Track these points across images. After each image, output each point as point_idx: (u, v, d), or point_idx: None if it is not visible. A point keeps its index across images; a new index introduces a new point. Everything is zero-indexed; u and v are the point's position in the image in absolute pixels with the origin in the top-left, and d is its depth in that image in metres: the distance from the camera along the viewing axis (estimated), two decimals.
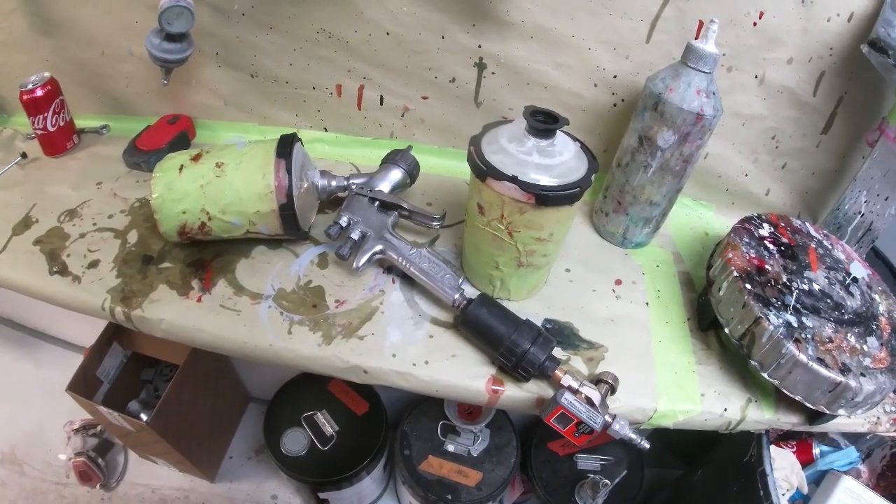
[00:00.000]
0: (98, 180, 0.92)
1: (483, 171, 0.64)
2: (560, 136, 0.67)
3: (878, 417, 0.74)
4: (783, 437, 0.92)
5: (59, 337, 1.55)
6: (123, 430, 1.13)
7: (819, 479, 0.86)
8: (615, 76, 0.87)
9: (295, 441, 1.10)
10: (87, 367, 1.15)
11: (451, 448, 1.08)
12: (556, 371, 0.65)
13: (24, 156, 0.96)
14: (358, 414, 1.16)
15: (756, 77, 0.84)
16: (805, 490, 0.85)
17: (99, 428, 1.34)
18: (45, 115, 0.92)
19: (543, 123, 0.64)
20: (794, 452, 0.88)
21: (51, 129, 0.94)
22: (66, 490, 1.30)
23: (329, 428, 1.13)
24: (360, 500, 1.23)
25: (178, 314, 0.72)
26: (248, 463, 1.36)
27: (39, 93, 0.90)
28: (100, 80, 1.01)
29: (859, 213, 0.86)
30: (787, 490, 0.84)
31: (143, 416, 1.19)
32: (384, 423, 1.15)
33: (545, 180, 0.63)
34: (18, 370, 1.51)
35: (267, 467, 1.35)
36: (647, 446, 0.64)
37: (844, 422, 0.72)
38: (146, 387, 1.33)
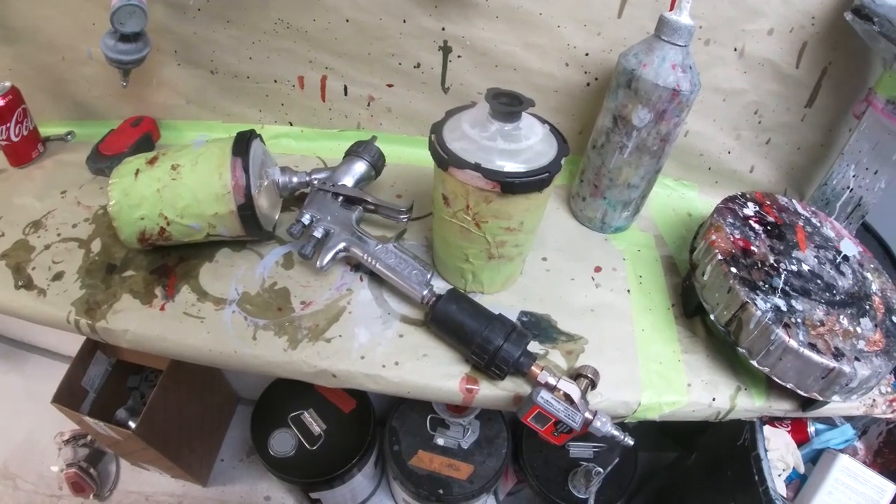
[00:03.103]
0: (63, 189, 0.90)
1: (444, 159, 0.61)
2: (526, 118, 0.64)
3: (874, 400, 0.73)
4: (778, 417, 0.90)
5: (45, 347, 1.54)
6: (111, 440, 1.13)
7: (815, 458, 0.84)
8: (587, 54, 0.84)
9: (283, 442, 1.09)
10: (72, 377, 1.14)
11: (440, 442, 1.07)
12: (533, 367, 0.63)
13: None
14: (345, 411, 1.14)
15: (735, 50, 0.81)
16: (801, 469, 0.83)
17: (89, 437, 1.33)
18: (8, 125, 0.89)
19: (507, 106, 0.61)
20: (788, 432, 0.85)
21: (14, 139, 0.91)
22: (60, 502, 1.29)
23: (317, 427, 1.11)
24: (353, 498, 1.22)
25: (141, 324, 0.70)
26: (240, 465, 1.36)
27: (1, 102, 0.87)
28: (62, 85, 0.98)
29: (848, 187, 0.83)
30: (783, 470, 0.82)
31: (132, 424, 1.17)
32: (372, 419, 1.13)
33: (511, 167, 0.60)
34: (6, 383, 1.50)
35: (259, 469, 1.34)
36: (631, 443, 0.63)
37: (839, 406, 0.70)
38: (133, 394, 1.32)
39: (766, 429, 0.81)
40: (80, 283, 0.75)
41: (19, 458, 1.35)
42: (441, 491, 1.02)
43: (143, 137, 0.94)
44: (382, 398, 1.18)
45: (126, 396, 1.31)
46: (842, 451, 0.82)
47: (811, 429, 0.86)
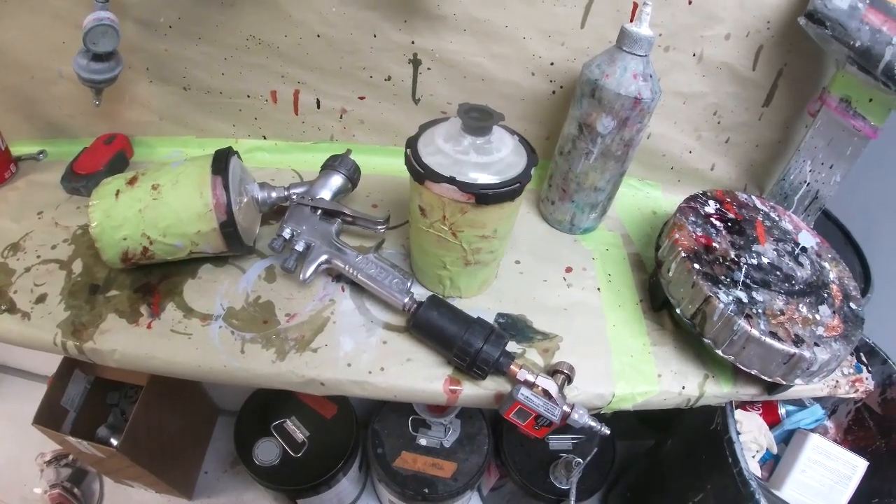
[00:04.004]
0: (38, 210, 0.89)
1: (421, 174, 0.63)
2: (497, 131, 0.66)
3: (837, 381, 0.77)
4: (749, 401, 0.93)
5: (22, 368, 1.52)
6: (95, 458, 1.12)
7: (787, 439, 0.88)
8: (552, 63, 0.86)
9: (267, 451, 1.09)
10: (51, 397, 1.12)
11: (423, 442, 1.09)
12: (511, 366, 0.66)
13: None
14: (327, 417, 1.15)
15: (694, 55, 0.85)
16: (774, 450, 0.87)
17: (71, 457, 1.32)
18: None
19: (478, 121, 0.63)
20: (760, 414, 0.89)
21: None
22: None
23: (300, 434, 1.12)
24: (339, 502, 1.23)
25: (129, 343, 0.70)
26: (224, 476, 1.35)
27: None
28: (32, 104, 0.97)
29: (805, 182, 0.87)
30: (757, 451, 0.85)
31: (113, 441, 1.17)
32: (354, 423, 1.14)
33: (484, 178, 0.62)
34: None
35: (243, 479, 1.34)
36: (608, 432, 0.65)
37: (803, 388, 0.74)
38: (113, 410, 1.30)
39: (739, 412, 0.84)
40: (65, 305, 0.74)
41: (1, 482, 1.33)
42: (426, 490, 1.04)
43: (117, 155, 0.94)
44: (363, 402, 1.19)
45: (106, 414, 1.30)
46: (812, 430, 0.86)
47: (782, 410, 0.90)
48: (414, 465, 1.06)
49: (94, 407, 1.24)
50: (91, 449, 1.05)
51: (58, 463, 1.30)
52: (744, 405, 0.91)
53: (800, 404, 0.92)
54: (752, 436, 0.85)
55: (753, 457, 0.85)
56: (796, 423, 0.89)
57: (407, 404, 1.10)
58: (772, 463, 0.87)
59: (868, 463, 0.80)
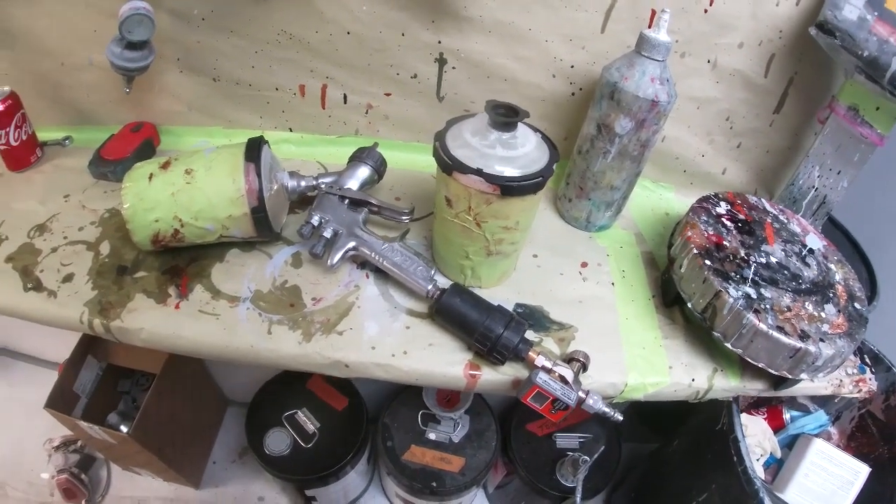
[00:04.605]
0: (65, 193, 0.91)
1: (449, 165, 0.66)
2: (521, 127, 0.69)
3: (841, 380, 0.79)
4: (754, 405, 0.95)
5: (31, 354, 1.52)
6: (105, 444, 1.12)
7: (791, 444, 0.89)
8: (572, 66, 0.89)
9: (278, 441, 1.10)
10: (64, 382, 1.13)
11: (432, 436, 1.10)
12: (530, 353, 0.68)
13: None
14: (338, 410, 1.16)
15: (709, 62, 0.88)
16: (778, 454, 0.88)
17: (79, 443, 1.32)
18: (7, 129, 0.90)
19: (505, 117, 0.66)
20: (765, 419, 0.91)
21: (14, 143, 0.92)
22: None
23: (311, 426, 1.13)
24: (346, 495, 1.24)
25: (157, 322, 0.72)
26: (232, 466, 1.36)
27: (0, 107, 0.89)
28: (60, 91, 0.99)
29: (813, 187, 0.90)
30: (761, 455, 0.87)
31: (123, 428, 1.18)
32: (364, 416, 1.16)
33: (509, 171, 0.65)
34: None
35: (251, 470, 1.34)
36: (621, 418, 0.67)
37: (808, 385, 0.76)
38: (124, 398, 1.32)
39: (744, 416, 0.85)
40: (92, 285, 0.76)
41: (8, 467, 1.33)
42: (434, 484, 1.05)
43: (145, 143, 0.96)
44: (374, 396, 1.21)
45: (117, 401, 1.31)
46: (816, 436, 0.87)
47: (786, 415, 0.91)
48: (422, 459, 1.08)
49: (106, 394, 1.25)
50: (102, 434, 1.06)
51: (66, 449, 1.30)
52: (749, 409, 0.93)
53: (804, 410, 0.94)
54: (756, 439, 0.87)
55: (758, 460, 0.86)
56: (800, 428, 0.91)
57: (417, 399, 1.12)
58: (775, 467, 0.89)
59: (870, 469, 0.82)
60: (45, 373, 1.46)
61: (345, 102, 0.97)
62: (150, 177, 0.74)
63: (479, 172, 0.64)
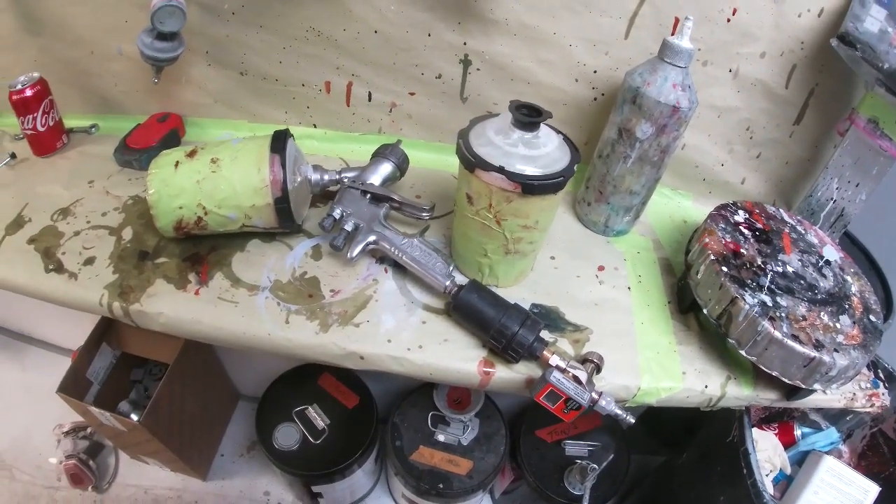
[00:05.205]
0: (90, 179, 0.93)
1: (472, 162, 0.67)
2: (544, 128, 0.70)
3: (854, 394, 0.78)
4: (765, 420, 0.95)
5: (45, 340, 1.54)
6: (115, 431, 1.13)
7: (801, 460, 0.88)
8: (595, 71, 0.90)
9: (287, 436, 1.11)
10: (77, 368, 1.14)
11: (441, 438, 1.10)
12: (544, 352, 0.68)
13: (13, 156, 0.96)
14: (348, 407, 1.17)
15: (730, 71, 0.88)
16: (788, 470, 0.87)
17: (89, 430, 1.34)
18: (35, 114, 0.92)
19: (528, 116, 0.67)
20: (776, 434, 0.90)
21: (41, 128, 0.94)
22: (57, 494, 1.29)
23: (320, 422, 1.14)
24: (352, 493, 1.24)
25: (176, 307, 0.73)
26: (240, 460, 1.37)
27: (29, 93, 0.90)
28: (88, 79, 1.01)
29: (831, 199, 0.90)
30: (771, 471, 0.86)
31: (134, 417, 1.19)
32: (374, 415, 1.16)
33: (530, 170, 0.66)
34: (4, 374, 1.49)
35: (259, 464, 1.35)
36: (633, 421, 0.67)
37: (821, 398, 0.76)
38: (136, 387, 1.33)
39: (755, 431, 0.84)
40: (113, 268, 0.77)
41: (16, 450, 1.35)
42: (441, 485, 1.05)
43: (170, 133, 0.98)
44: (384, 396, 1.22)
45: (129, 389, 1.32)
46: (827, 453, 0.86)
47: (798, 432, 0.91)
48: (431, 460, 1.08)
49: (118, 382, 1.26)
50: (112, 421, 1.07)
51: (75, 435, 1.32)
52: (760, 424, 0.93)
53: (816, 427, 0.93)
54: (766, 455, 0.86)
55: (767, 475, 0.85)
56: (811, 444, 0.90)
57: (428, 399, 1.12)
58: (784, 483, 0.88)
59: (880, 488, 0.81)
60: (59, 359, 1.48)
61: (369, 100, 0.98)
62: (177, 164, 0.76)
63: (500, 170, 0.65)
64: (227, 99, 1.01)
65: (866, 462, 0.91)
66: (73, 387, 1.12)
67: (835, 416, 0.94)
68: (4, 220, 0.84)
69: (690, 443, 1.02)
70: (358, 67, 0.94)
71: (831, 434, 0.91)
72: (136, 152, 0.94)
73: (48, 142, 0.97)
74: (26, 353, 1.53)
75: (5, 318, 1.52)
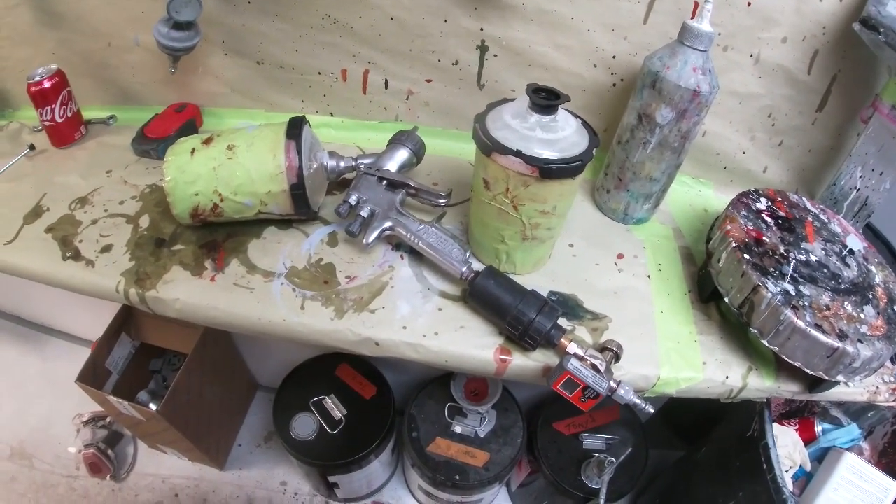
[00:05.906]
0: (107, 168, 0.94)
1: (488, 146, 0.66)
2: (562, 112, 0.69)
3: (877, 387, 0.76)
4: (786, 416, 0.93)
5: (65, 331, 1.56)
6: (133, 420, 1.15)
7: (821, 457, 0.87)
8: (614, 56, 0.89)
9: (304, 425, 1.12)
10: (97, 358, 1.16)
11: (458, 429, 1.10)
12: (562, 339, 0.67)
13: (32, 147, 0.97)
14: (366, 398, 1.17)
15: (751, 56, 0.86)
16: (808, 467, 0.86)
17: (108, 420, 1.35)
18: (53, 106, 0.93)
19: (546, 100, 0.66)
20: (796, 430, 0.89)
21: (59, 120, 0.95)
22: (76, 482, 1.31)
23: (338, 412, 1.14)
24: (368, 484, 1.24)
25: (192, 294, 0.74)
26: (257, 450, 1.38)
27: (47, 84, 0.92)
28: (106, 71, 1.02)
29: (855, 188, 0.87)
30: (791, 467, 0.85)
31: (152, 406, 1.20)
32: (392, 406, 1.16)
33: (548, 154, 0.65)
34: (24, 364, 1.52)
35: (276, 454, 1.36)
36: (652, 411, 0.66)
37: (844, 391, 0.74)
38: (154, 377, 1.34)
39: (775, 427, 0.83)
40: (130, 256, 0.78)
41: (36, 439, 1.37)
42: (457, 477, 1.04)
43: (188, 123, 0.98)
44: (401, 387, 1.21)
45: (147, 379, 1.33)
46: (848, 450, 0.85)
47: (818, 428, 0.90)
48: (447, 452, 1.07)
49: (137, 372, 1.28)
50: (131, 410, 1.08)
51: (94, 424, 1.33)
52: (780, 420, 0.91)
53: (836, 423, 0.92)
54: (786, 451, 0.85)
55: (787, 472, 0.85)
56: (832, 441, 0.89)
57: (445, 390, 1.12)
58: (804, 480, 0.87)
59: None
60: (79, 350, 1.50)
61: (386, 88, 0.98)
62: (193, 151, 0.76)
63: (518, 154, 0.64)
64: (243, 88, 1.01)
65: (887, 459, 0.89)
66: (92, 376, 1.14)
67: (856, 413, 0.92)
68: (23, 210, 0.85)
69: (709, 438, 1.01)
70: (374, 55, 0.94)
71: (852, 431, 0.90)
72: (153, 142, 0.95)
73: (66, 133, 0.98)
74: (47, 344, 1.56)
75: (26, 308, 1.55)
